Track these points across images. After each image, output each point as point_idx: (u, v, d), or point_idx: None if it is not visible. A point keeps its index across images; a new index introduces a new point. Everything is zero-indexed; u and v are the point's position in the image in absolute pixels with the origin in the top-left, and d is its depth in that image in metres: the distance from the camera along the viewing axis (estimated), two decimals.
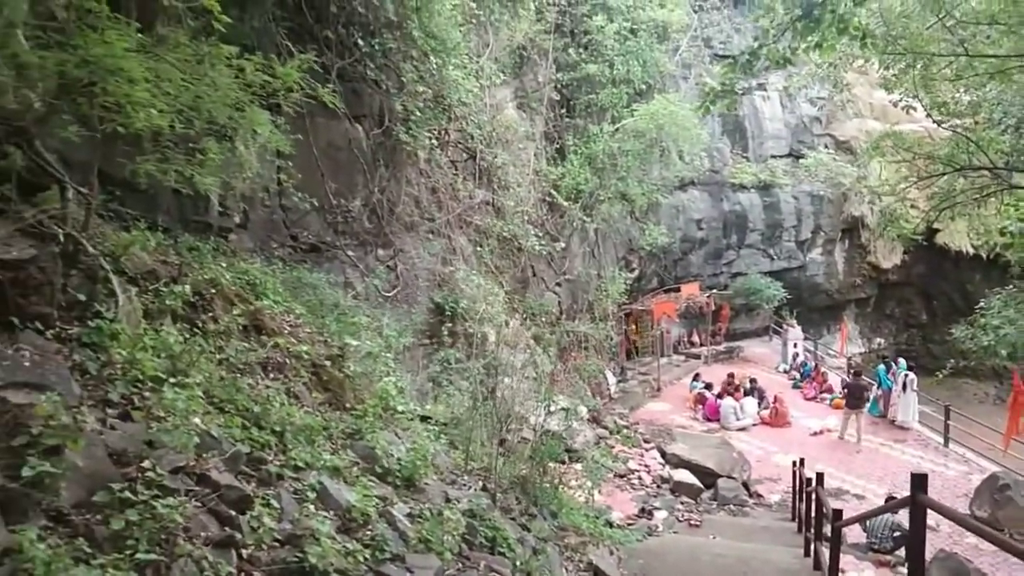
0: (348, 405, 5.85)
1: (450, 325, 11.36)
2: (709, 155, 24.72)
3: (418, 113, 11.21)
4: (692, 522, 12.53)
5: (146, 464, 3.24)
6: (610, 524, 9.92)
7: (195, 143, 5.36)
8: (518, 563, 5.15)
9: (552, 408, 9.72)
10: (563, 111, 20.12)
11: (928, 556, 12.14)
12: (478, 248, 13.84)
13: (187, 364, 4.26)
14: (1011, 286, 13.65)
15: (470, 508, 5.33)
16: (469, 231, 13.94)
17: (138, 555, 2.79)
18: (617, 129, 19.89)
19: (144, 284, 4.82)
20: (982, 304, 13.52)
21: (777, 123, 27.73)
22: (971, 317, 13.73)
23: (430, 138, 11.89)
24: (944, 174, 10.92)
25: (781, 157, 27.63)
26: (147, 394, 3.79)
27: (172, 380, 3.93)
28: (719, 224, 26.07)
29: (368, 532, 4.08)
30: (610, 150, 19.46)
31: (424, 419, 7.09)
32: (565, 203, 18.60)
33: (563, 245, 18.46)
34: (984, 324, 12.81)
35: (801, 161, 27.21)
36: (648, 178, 21.40)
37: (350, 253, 10.00)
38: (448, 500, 5.29)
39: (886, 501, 12.25)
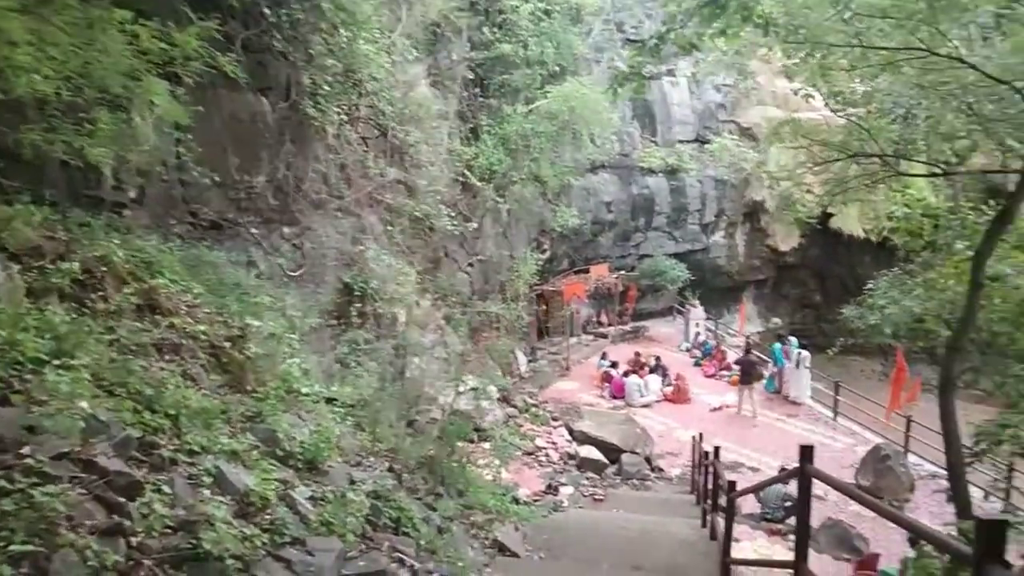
0: (249, 387, 5.70)
1: (359, 305, 11.20)
2: (619, 139, 25.14)
3: (327, 87, 10.92)
4: (597, 497, 12.88)
5: (25, 451, 3.08)
6: (517, 501, 10.09)
7: (85, 112, 5.08)
8: (423, 542, 5.18)
9: (462, 388, 9.78)
10: (477, 90, 20.00)
11: (816, 524, 12.91)
12: (389, 227, 13.65)
13: (73, 345, 4.06)
14: (897, 268, 14.46)
15: (375, 489, 5.31)
16: (380, 210, 13.71)
17: (13, 547, 2.65)
18: (531, 110, 19.94)
19: (28, 261, 4.57)
20: (870, 285, 14.29)
21: (685, 109, 28.41)
22: (860, 298, 14.49)
23: (339, 113, 11.61)
24: (838, 160, 11.40)
25: (688, 142, 28.34)
26: (28, 377, 3.60)
27: (56, 362, 3.74)
28: (628, 207, 26.58)
29: (267, 516, 4.01)
30: (523, 131, 19.52)
31: (330, 401, 6.98)
32: (478, 183, 18.56)
33: (476, 225, 18.43)
34: (871, 304, 13.53)
35: (706, 146, 28.00)
36: (560, 160, 21.59)
37: (253, 231, 9.68)
38: (352, 482, 5.25)
39: (779, 473, 12.92)
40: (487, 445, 12.18)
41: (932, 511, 13.86)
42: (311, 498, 4.56)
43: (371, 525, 4.87)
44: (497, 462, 10.53)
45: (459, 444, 8.09)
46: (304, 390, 6.36)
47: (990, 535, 2.79)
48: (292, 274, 10.13)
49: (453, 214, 16.14)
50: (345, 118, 12.11)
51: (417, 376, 10.69)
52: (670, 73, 27.88)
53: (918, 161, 11.90)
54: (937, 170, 11.81)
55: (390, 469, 6.27)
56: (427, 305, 14.01)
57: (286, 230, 10.44)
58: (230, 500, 3.91)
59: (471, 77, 19.49)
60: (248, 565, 3.51)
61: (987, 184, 14.43)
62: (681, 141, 28.18)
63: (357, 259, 11.89)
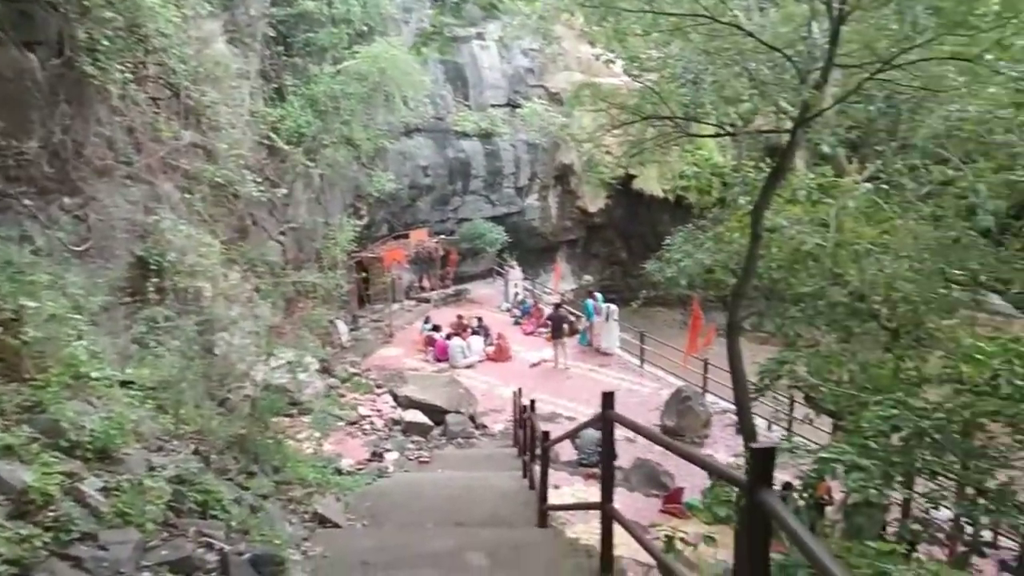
0: (27, 375, 5.16)
1: (157, 280, 10.40)
2: (432, 102, 24.95)
3: (107, 43, 9.89)
4: (422, 459, 13.02)
5: None
6: (339, 472, 9.98)
7: None
8: (233, 523, 4.98)
9: (276, 362, 9.45)
10: (280, 49, 19.01)
11: (628, 464, 13.84)
12: (187, 195, 12.72)
13: None
14: (691, 225, 15.62)
15: (178, 474, 5.02)
16: (176, 176, 12.74)
17: None
18: (339, 71, 19.30)
19: None
20: (668, 241, 15.36)
21: (495, 73, 28.66)
22: (659, 253, 15.56)
23: (124, 72, 10.59)
24: (633, 122, 12.04)
25: (500, 106, 28.69)
26: None
27: None
28: (445, 171, 26.61)
29: (51, 513, 3.67)
30: (332, 92, 18.86)
31: (126, 384, 6.48)
32: (286, 147, 17.74)
33: (285, 191, 17.68)
34: (668, 259, 14.58)
35: (518, 111, 28.52)
36: (373, 123, 21.13)
37: (27, 202, 8.67)
38: (152, 468, 4.93)
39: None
40: (307, 418, 11.90)
41: (728, 444, 15.31)
42: (103, 489, 4.23)
43: (174, 512, 4.61)
44: (317, 434, 10.34)
45: (274, 419, 7.83)
46: (94, 374, 5.84)
47: (761, 462, 3.06)
48: (76, 249, 9.21)
49: (259, 180, 15.35)
50: (131, 77, 11.06)
51: (226, 352, 10.16)
52: (480, 36, 28.00)
53: (707, 123, 12.82)
54: (722, 131, 12.82)
55: (196, 451, 5.95)
56: (235, 277, 13.30)
57: (67, 201, 9.44)
58: (4, 500, 3.54)
59: (273, 35, 18.46)
60: (28, 569, 3.21)
61: (766, 144, 15.90)
62: (493, 105, 28.45)
63: (152, 230, 11.00)
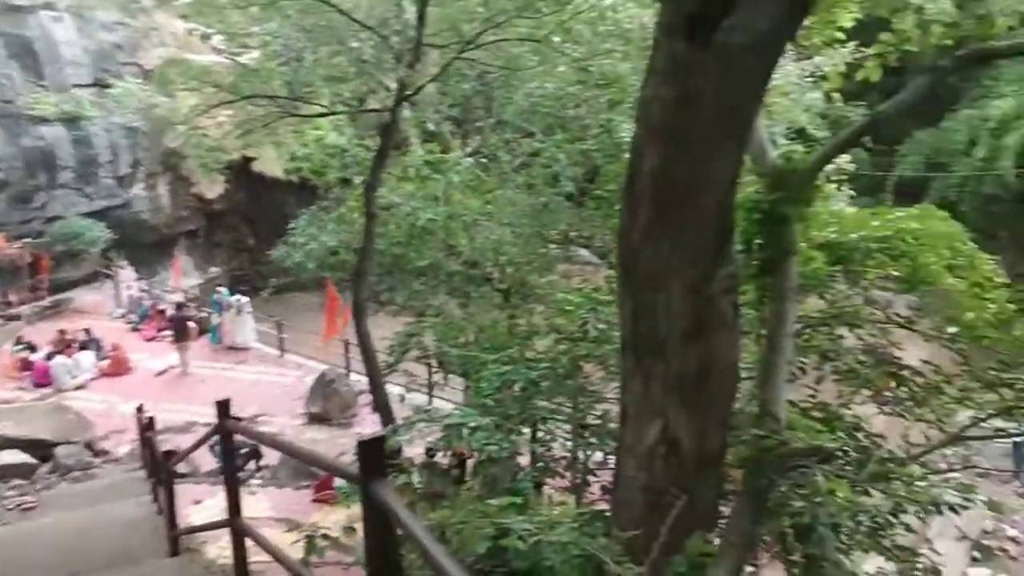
0: None
1: None
2: None
3: None
4: (25, 506, 11.16)
5: None
6: None
7: None
8: None
9: None
10: None
11: (276, 460, 13.42)
12: None
13: None
14: (315, 206, 15.41)
15: None
16: None
17: None
18: None
19: None
20: (293, 225, 14.97)
21: (75, 48, 25.05)
22: (285, 237, 15.11)
23: None
24: (231, 102, 11.37)
25: (86, 86, 25.18)
26: None
27: None
28: (21, 163, 22.71)
29: None
30: None
31: None
32: None
33: None
34: (294, 243, 14.26)
35: (109, 91, 25.33)
36: None
37: None
38: None
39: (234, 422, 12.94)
40: None
41: (375, 421, 15.56)
42: None
43: None
44: None
45: None
46: None
47: (370, 453, 3.02)
48: None
49: None
50: None
51: None
52: (49, 7, 24.19)
53: (316, 103, 12.63)
54: (335, 110, 12.76)
55: None
56: None
57: None
58: None
59: None
60: None
61: (379, 123, 16.23)
62: (77, 85, 24.86)
63: None
